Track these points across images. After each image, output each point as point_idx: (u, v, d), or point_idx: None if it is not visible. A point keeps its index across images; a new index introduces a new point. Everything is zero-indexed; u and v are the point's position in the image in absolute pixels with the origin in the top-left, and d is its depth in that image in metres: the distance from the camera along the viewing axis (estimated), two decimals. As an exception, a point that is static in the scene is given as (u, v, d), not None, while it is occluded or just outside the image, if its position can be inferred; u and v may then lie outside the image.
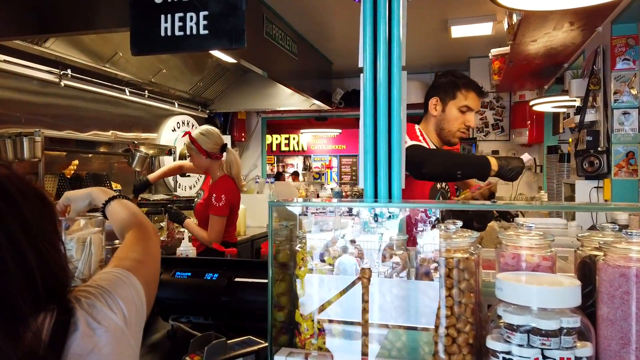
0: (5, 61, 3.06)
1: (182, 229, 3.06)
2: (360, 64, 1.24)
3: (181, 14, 1.62)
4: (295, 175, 10.07)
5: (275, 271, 1.09)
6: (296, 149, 11.34)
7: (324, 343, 1.04)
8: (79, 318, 0.73)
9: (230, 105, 5.78)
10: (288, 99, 5.34)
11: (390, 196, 1.19)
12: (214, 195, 2.83)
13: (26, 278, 0.70)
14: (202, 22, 1.61)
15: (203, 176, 3.16)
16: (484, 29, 4.01)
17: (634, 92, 2.42)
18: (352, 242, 1.07)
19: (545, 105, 3.71)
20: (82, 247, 1.29)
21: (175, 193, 4.53)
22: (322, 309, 1.05)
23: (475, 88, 2.06)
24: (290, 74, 4.18)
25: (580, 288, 0.91)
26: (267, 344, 1.12)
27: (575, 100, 2.91)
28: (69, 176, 3.34)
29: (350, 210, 1.17)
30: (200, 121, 5.44)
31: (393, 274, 1.05)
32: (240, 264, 1.39)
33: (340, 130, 10.31)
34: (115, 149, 4.03)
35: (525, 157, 1.75)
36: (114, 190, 1.25)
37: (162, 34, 1.65)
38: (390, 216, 1.06)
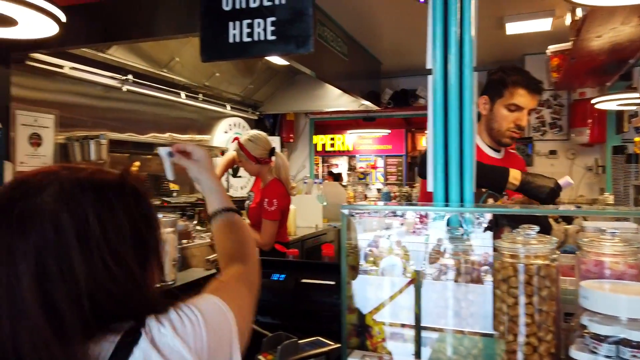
0: (73, 68, 3.23)
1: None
2: (429, 65, 1.22)
3: (249, 21, 1.65)
4: (330, 175, 9.90)
5: (346, 273, 1.10)
6: (341, 149, 11.33)
7: (397, 347, 1.03)
8: (139, 350, 0.64)
9: (279, 107, 5.85)
10: (336, 100, 5.35)
11: (462, 200, 1.16)
12: (266, 200, 2.86)
13: (70, 290, 0.62)
14: (270, 28, 1.64)
15: (253, 177, 3.21)
16: (542, 24, 3.87)
17: None
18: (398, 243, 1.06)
19: (609, 103, 3.53)
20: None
21: (227, 194, 4.63)
22: (394, 313, 1.04)
23: (526, 85, 1.88)
24: (339, 75, 4.19)
25: (674, 299, 0.86)
26: (337, 346, 1.13)
27: (644, 98, 2.75)
28: (130, 177, 3.49)
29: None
30: (251, 123, 5.54)
31: (441, 276, 1.03)
32: (306, 266, 1.41)
33: (389, 131, 10.22)
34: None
35: (565, 181, 1.58)
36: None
37: (231, 40, 1.69)
38: (435, 217, 1.04)
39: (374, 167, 11.31)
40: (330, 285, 1.28)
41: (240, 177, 4.91)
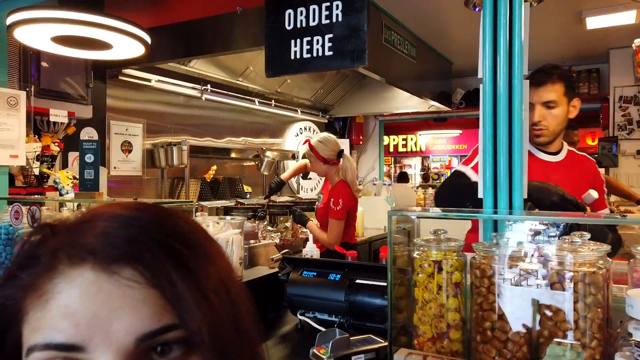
0: (159, 81, 3.56)
1: (305, 230, 3.27)
2: (480, 75, 1.25)
3: (309, 38, 1.77)
4: (400, 176, 9.50)
5: (395, 275, 1.16)
6: (414, 149, 11.22)
7: (442, 347, 1.08)
8: None
9: (348, 110, 5.95)
10: (405, 102, 5.35)
11: (511, 207, 1.19)
12: (332, 199, 2.98)
13: None
14: (327, 44, 1.74)
15: (322, 179, 3.35)
16: (625, 18, 3.63)
17: None
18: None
19: None
20: (225, 246, 1.49)
21: (298, 195, 4.81)
22: (440, 314, 1.09)
23: (530, 78, 1.75)
24: (408, 78, 4.20)
25: None
26: (386, 344, 1.20)
27: None
28: (208, 180, 3.76)
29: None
30: (321, 126, 5.69)
31: (521, 281, 1.05)
32: (361, 267, 1.48)
33: (460, 131, 9.98)
34: (246, 155, 4.41)
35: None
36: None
37: (292, 57, 1.82)
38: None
39: (448, 167, 11.08)
40: (383, 286, 1.35)
41: (310, 178, 5.08)
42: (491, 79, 1.22)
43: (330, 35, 1.74)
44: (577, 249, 1.01)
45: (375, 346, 1.20)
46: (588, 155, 2.03)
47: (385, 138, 9.11)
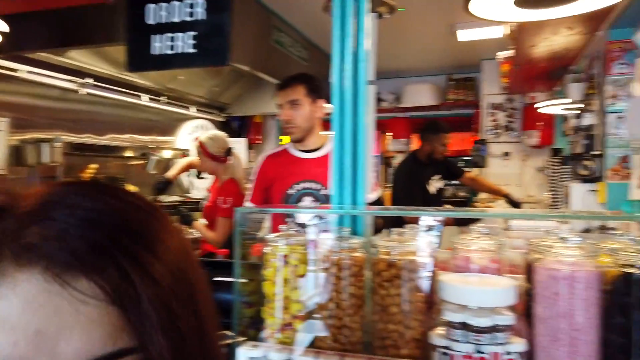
0: (30, 72, 3.27)
1: (192, 230, 3.22)
2: (330, 79, 1.33)
3: (171, 34, 1.75)
4: None
5: (246, 271, 1.20)
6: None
7: (287, 338, 1.14)
8: None
9: (246, 109, 5.92)
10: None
11: (355, 203, 1.28)
12: (221, 198, 2.98)
13: None
14: (190, 42, 1.74)
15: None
16: (493, 32, 4.03)
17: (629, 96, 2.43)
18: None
19: (552, 107, 3.71)
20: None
21: (188, 195, 4.70)
22: (285, 306, 1.15)
23: (277, 86, 2.23)
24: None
25: (514, 288, 0.98)
26: (239, 339, 1.23)
27: (575, 104, 2.92)
28: (87, 180, 3.54)
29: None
30: (217, 125, 5.60)
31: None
32: (223, 265, 1.50)
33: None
34: (132, 153, 4.22)
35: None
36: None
37: (154, 52, 1.79)
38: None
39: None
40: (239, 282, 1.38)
41: (203, 178, 4.98)
42: (339, 83, 1.30)
43: (194, 33, 1.75)
44: (402, 240, 1.12)
45: (228, 342, 1.23)
46: None
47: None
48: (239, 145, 6.05)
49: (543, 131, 4.59)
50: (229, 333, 1.29)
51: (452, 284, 1.01)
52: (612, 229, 2.29)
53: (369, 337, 1.12)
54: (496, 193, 3.88)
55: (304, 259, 1.17)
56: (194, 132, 5.20)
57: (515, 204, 3.60)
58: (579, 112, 2.81)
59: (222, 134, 3.19)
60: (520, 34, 2.75)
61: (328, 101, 2.19)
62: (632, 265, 0.92)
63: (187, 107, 5.03)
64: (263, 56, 3.51)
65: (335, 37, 1.30)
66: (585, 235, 1.54)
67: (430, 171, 3.44)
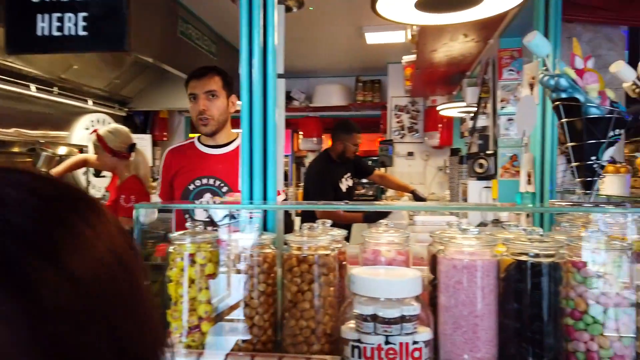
0: None
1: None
2: (239, 71, 1.29)
3: (59, 14, 1.59)
4: None
5: (149, 273, 1.12)
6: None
7: (193, 341, 1.08)
8: None
9: (151, 104, 5.61)
10: (209, 99, 5.28)
11: (265, 198, 1.25)
12: (123, 196, 2.78)
13: None
14: (81, 24, 1.59)
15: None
16: (397, 36, 4.20)
17: (517, 100, 2.66)
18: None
19: (450, 110, 3.96)
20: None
21: (86, 194, 4.35)
22: (192, 308, 1.09)
23: (192, 74, 2.11)
24: (209, 74, 4.15)
25: (420, 279, 1.02)
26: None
27: (471, 107, 3.14)
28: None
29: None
30: (118, 119, 5.24)
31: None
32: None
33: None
34: (19, 149, 3.80)
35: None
36: None
37: (39, 33, 1.61)
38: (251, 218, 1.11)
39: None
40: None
41: (103, 176, 4.64)
42: (247, 77, 1.26)
43: (85, 14, 1.60)
44: (314, 234, 1.11)
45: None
46: None
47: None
48: (143, 142, 5.73)
49: (443, 132, 4.90)
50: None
51: (362, 276, 1.02)
52: (506, 222, 2.50)
53: (280, 335, 1.10)
54: (404, 189, 4.05)
55: (211, 257, 1.12)
56: (92, 126, 4.83)
57: (421, 199, 3.79)
58: (474, 114, 3.03)
59: (124, 128, 2.99)
60: (422, 38, 2.89)
61: (239, 98, 2.14)
62: (525, 254, 0.99)
63: (84, 100, 4.65)
64: (168, 48, 3.35)
65: (243, 28, 1.26)
66: (482, 228, 1.65)
67: (342, 170, 3.51)
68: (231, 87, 2.14)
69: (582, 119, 0.92)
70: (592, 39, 2.61)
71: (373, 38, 4.22)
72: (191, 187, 2.05)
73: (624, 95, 1.42)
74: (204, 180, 2.05)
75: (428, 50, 3.11)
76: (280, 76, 1.29)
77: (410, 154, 5.26)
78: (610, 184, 1.66)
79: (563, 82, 0.93)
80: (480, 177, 2.72)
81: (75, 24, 1.58)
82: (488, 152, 2.68)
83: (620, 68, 1.06)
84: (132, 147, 2.93)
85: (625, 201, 1.56)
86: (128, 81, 5.07)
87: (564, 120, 0.96)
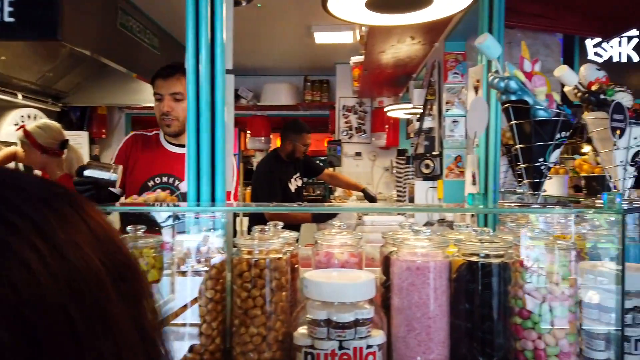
0: None
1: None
2: (186, 65, 1.22)
3: (-19, -2, 1.45)
4: None
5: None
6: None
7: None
8: None
9: (88, 99, 5.32)
10: (151, 95, 5.08)
11: (213, 200, 1.19)
12: None
13: None
14: (7, 9, 1.46)
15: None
16: (345, 37, 4.22)
17: (462, 102, 2.73)
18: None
19: (397, 111, 4.02)
20: None
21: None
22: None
23: (159, 74, 2.01)
24: (152, 70, 3.98)
25: (373, 281, 1.00)
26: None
27: (417, 108, 3.20)
28: None
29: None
30: (52, 115, 4.93)
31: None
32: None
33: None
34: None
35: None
36: None
37: (-42, 17, 1.46)
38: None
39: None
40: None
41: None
42: (194, 72, 1.20)
43: (11, -1, 1.46)
44: (264, 237, 1.07)
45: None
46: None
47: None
48: (79, 140, 5.42)
49: (390, 133, 4.97)
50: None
51: (315, 280, 0.99)
52: (450, 222, 2.56)
53: (229, 343, 1.05)
54: (354, 188, 4.06)
55: (155, 263, 1.05)
56: (22, 122, 4.50)
57: (371, 197, 3.83)
58: (421, 116, 3.09)
59: (55, 124, 2.79)
60: (371, 39, 2.91)
61: None
62: (476, 254, 1.00)
63: (13, 94, 4.33)
64: (107, 40, 3.17)
65: (189, 21, 1.20)
66: (429, 227, 1.67)
67: (291, 170, 3.47)
68: None
69: (531, 121, 0.94)
70: (531, 45, 2.74)
71: (322, 37, 4.21)
72: (150, 183, 1.95)
73: (561, 99, 1.49)
74: (164, 179, 1.95)
75: (376, 52, 3.13)
76: (229, 72, 1.23)
77: (358, 154, 5.31)
78: (550, 185, 1.73)
79: (513, 84, 0.95)
80: (427, 178, 2.77)
81: (1, 9, 1.44)
82: (434, 153, 2.74)
83: (564, 72, 1.10)
84: (64, 143, 2.76)
85: (565, 201, 1.63)
86: (63, 74, 4.78)
87: (513, 122, 0.97)
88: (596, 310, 1.01)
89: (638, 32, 2.93)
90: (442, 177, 2.72)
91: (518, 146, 0.99)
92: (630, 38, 2.95)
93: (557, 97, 0.96)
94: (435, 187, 2.76)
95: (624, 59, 2.94)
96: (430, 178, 2.76)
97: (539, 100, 0.94)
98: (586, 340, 1.03)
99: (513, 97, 0.96)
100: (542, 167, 0.96)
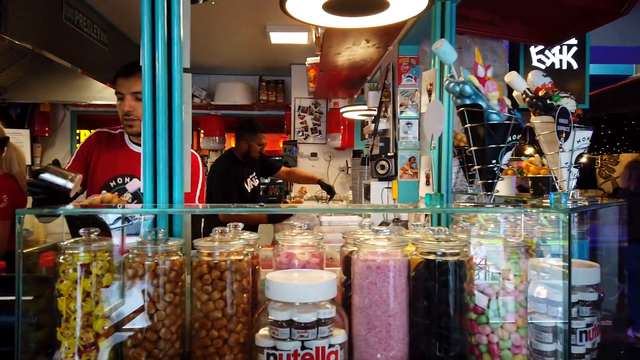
0: None
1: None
2: (141, 62, 1.19)
3: None
4: None
5: (32, 286, 0.98)
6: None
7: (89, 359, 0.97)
8: None
9: (29, 95, 5.05)
10: (102, 92, 4.88)
11: (171, 201, 1.16)
12: None
13: None
14: None
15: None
16: (300, 37, 4.23)
17: (415, 105, 2.80)
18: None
19: (352, 113, 4.07)
20: None
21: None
22: (87, 324, 0.97)
23: (120, 73, 1.90)
24: (98, 66, 3.84)
25: (335, 281, 1.01)
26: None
27: (373, 110, 3.25)
28: None
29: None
30: (-11, 112, 4.65)
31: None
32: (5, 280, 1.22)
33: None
34: None
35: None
36: None
37: None
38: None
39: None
40: (24, 301, 1.13)
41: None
42: (150, 72, 1.16)
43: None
44: (227, 239, 1.06)
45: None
46: (194, 152, 2.03)
47: (83, 133, 8.18)
48: (20, 138, 5.13)
49: (345, 134, 5.03)
50: (7, 366, 1.04)
51: (277, 281, 0.99)
52: (405, 221, 2.61)
53: (188, 347, 1.03)
54: (311, 180, 4.07)
55: (109, 267, 1.01)
56: (-45, 119, 4.22)
57: (328, 187, 3.86)
58: (375, 118, 3.14)
59: None
60: (327, 41, 2.93)
61: None
62: (433, 253, 1.03)
63: (-56, 88, 4.05)
64: (51, 34, 3.03)
65: (145, 17, 1.16)
66: (384, 227, 1.70)
67: (247, 170, 3.44)
68: None
69: (485, 124, 0.98)
70: (479, 50, 2.84)
71: (277, 38, 4.19)
72: (112, 183, 1.86)
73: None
74: (127, 179, 1.86)
75: (332, 53, 3.16)
76: (186, 70, 1.21)
77: (313, 154, 5.33)
78: (499, 185, 1.81)
79: (467, 89, 0.98)
80: (382, 178, 2.82)
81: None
82: (389, 154, 2.79)
83: (513, 78, 1.15)
84: (3, 141, 2.65)
85: (512, 201, 1.71)
86: (2, 69, 4.51)
87: (468, 125, 1.01)
88: (544, 304, 1.07)
89: (577, 41, 3.12)
90: (396, 177, 2.78)
91: (472, 148, 1.03)
92: (570, 47, 3.13)
93: (508, 102, 1.01)
94: (390, 188, 2.81)
95: (565, 66, 3.12)
96: (386, 179, 2.81)
97: (491, 104, 0.98)
98: (535, 333, 1.08)
99: (467, 101, 1.00)
100: (495, 169, 1.01)
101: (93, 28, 3.57)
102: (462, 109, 1.01)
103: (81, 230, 1.03)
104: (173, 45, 1.17)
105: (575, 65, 3.14)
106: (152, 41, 1.17)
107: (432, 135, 1.07)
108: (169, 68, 1.17)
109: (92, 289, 0.98)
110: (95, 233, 1.03)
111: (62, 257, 0.99)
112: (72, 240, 1.02)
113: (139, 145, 1.94)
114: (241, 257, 1.04)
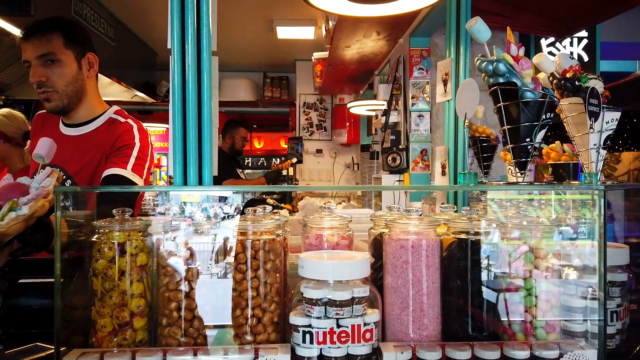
0: None
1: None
2: (169, 46, 1.18)
3: None
4: None
5: (67, 266, 0.98)
6: (119, 145, 10.44)
7: (124, 339, 0.97)
8: None
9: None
10: (105, 88, 4.88)
11: (200, 182, 1.16)
12: None
13: None
14: None
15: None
16: (306, 32, 4.23)
17: (427, 97, 2.80)
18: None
19: (360, 108, 4.07)
20: None
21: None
22: (121, 302, 0.97)
23: (22, 36, 1.58)
24: (106, 61, 3.83)
25: (368, 261, 1.01)
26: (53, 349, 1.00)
27: (382, 104, 3.26)
28: None
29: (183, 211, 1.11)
30: (-6, 108, 4.63)
31: (228, 274, 1.02)
32: (28, 263, 1.22)
33: (166, 126, 9.82)
34: None
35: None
36: None
37: None
38: (225, 217, 1.03)
39: (158, 165, 10.75)
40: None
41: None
42: (180, 51, 1.16)
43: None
44: (258, 219, 1.05)
45: (42, 354, 0.99)
46: (129, 121, 1.77)
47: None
48: (25, 134, 5.13)
49: (351, 130, 5.03)
50: (42, 345, 1.04)
51: (312, 260, 0.99)
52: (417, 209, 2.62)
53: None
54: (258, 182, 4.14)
55: (143, 246, 1.01)
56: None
57: (274, 174, 3.94)
58: (386, 111, 3.14)
59: (19, 113, 2.67)
60: (337, 33, 2.93)
61: (96, 55, 1.65)
62: (465, 232, 1.03)
63: (-49, 84, 4.04)
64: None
65: (174, 3, 1.16)
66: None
67: (236, 164, 3.82)
68: (83, 43, 1.62)
69: (519, 102, 0.98)
70: (491, 42, 2.84)
71: (284, 33, 4.20)
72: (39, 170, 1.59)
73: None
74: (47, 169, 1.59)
75: (342, 47, 3.16)
76: (214, 54, 1.21)
77: (319, 151, 5.33)
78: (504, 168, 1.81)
79: (502, 67, 0.98)
80: (393, 171, 2.82)
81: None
82: (400, 146, 2.79)
83: (542, 59, 1.15)
84: (27, 134, 2.64)
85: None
86: (5, 65, 4.50)
87: (501, 104, 1.01)
88: (575, 284, 1.07)
89: (587, 33, 3.12)
90: (408, 170, 2.78)
91: (506, 127, 1.03)
92: (580, 39, 3.14)
93: (542, 80, 1.01)
94: (401, 180, 2.82)
95: (575, 59, 3.13)
96: (397, 171, 2.82)
97: (525, 82, 0.98)
98: (566, 314, 1.08)
99: (501, 80, 1.00)
100: (529, 147, 1.01)
101: (100, 22, 3.57)
102: (495, 87, 1.01)
103: (114, 210, 1.03)
104: (202, 27, 1.17)
105: (586, 58, 3.15)
106: (181, 23, 1.17)
107: (465, 115, 1.07)
108: (198, 51, 1.17)
109: (127, 267, 0.98)
110: (129, 213, 1.03)
111: (96, 236, 0.99)
112: (108, 219, 1.02)
113: (68, 125, 1.63)
114: (274, 236, 1.04)
